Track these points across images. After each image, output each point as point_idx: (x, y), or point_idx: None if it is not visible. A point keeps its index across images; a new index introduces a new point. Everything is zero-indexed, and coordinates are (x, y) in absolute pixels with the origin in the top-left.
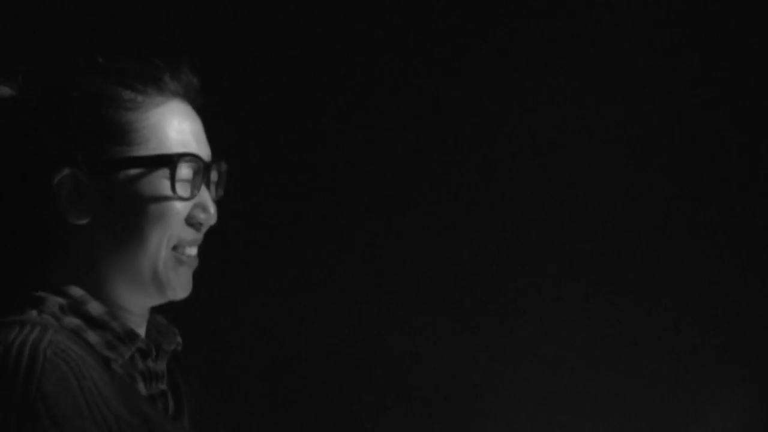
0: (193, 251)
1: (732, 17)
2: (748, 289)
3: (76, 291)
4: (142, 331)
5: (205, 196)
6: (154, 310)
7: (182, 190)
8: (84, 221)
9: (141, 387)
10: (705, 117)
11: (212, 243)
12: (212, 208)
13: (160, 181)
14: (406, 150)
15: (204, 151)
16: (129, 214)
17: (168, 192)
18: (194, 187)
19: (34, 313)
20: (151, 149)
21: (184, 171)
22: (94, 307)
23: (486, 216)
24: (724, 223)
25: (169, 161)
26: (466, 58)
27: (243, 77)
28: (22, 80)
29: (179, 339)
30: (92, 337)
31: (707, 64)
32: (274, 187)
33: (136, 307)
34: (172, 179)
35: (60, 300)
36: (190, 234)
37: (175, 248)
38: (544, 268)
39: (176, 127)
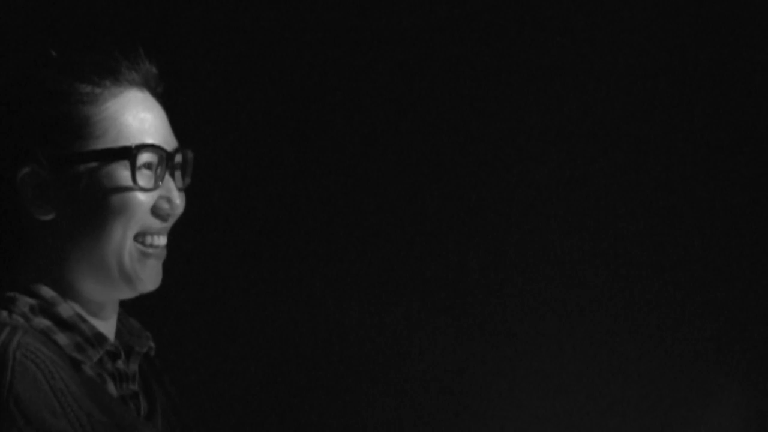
0: (160, 241)
1: (732, 17)
2: (746, 290)
3: (47, 292)
4: (111, 329)
5: (170, 186)
6: (129, 312)
7: (144, 180)
8: (50, 217)
9: (111, 388)
10: (706, 118)
11: (210, 243)
12: (177, 199)
13: (121, 173)
14: (405, 151)
15: (166, 140)
16: (92, 207)
17: (129, 183)
18: (157, 178)
19: (4, 313)
20: (110, 141)
21: (146, 161)
22: (64, 309)
23: (485, 216)
24: (722, 223)
25: (128, 153)
26: (467, 57)
27: (242, 77)
28: None
29: (151, 343)
30: (61, 338)
31: (708, 65)
32: (272, 185)
33: (108, 300)
34: (133, 170)
35: (30, 301)
36: (155, 223)
37: (142, 236)
38: (542, 269)
39: (135, 116)
